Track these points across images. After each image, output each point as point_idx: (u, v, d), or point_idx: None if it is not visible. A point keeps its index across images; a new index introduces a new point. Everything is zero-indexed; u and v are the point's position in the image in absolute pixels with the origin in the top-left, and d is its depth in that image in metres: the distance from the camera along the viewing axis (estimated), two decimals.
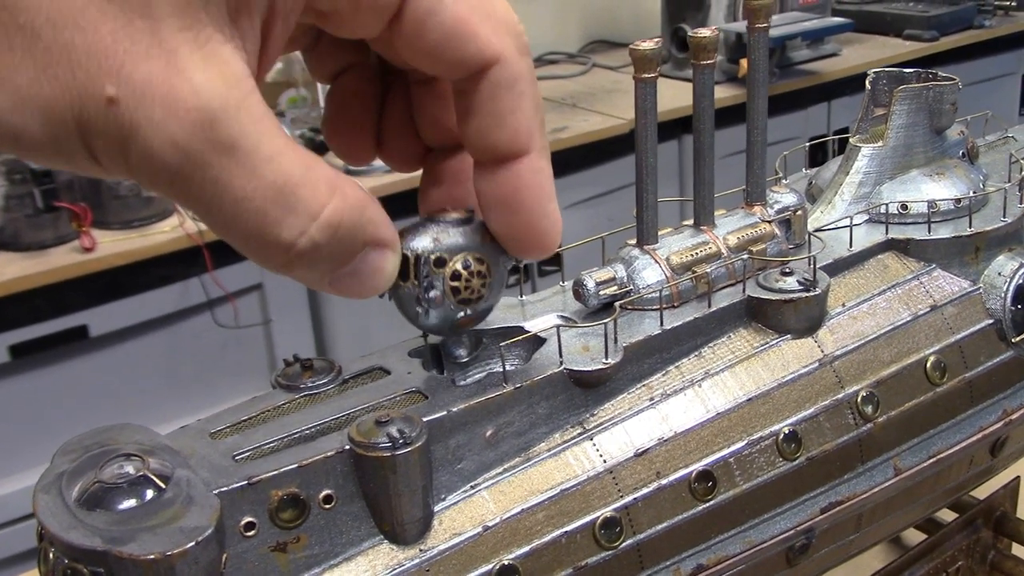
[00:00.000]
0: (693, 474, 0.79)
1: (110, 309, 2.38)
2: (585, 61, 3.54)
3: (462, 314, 0.54)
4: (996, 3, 3.91)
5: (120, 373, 2.45)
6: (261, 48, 0.42)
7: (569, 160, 2.85)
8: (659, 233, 0.86)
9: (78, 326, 2.36)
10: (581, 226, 2.71)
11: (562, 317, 0.84)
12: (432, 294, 0.53)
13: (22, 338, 2.30)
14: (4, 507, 2.31)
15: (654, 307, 0.82)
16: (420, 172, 0.57)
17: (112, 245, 2.33)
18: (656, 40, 0.80)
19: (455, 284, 0.53)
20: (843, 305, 0.90)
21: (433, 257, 0.52)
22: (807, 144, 1.29)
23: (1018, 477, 1.24)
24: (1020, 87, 4.07)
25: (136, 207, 2.43)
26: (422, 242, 0.53)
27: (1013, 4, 3.91)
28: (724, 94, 3.02)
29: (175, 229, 2.39)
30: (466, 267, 0.52)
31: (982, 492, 1.21)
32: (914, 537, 1.28)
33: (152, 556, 0.57)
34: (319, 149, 2.52)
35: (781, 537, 0.82)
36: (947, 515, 1.25)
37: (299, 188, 0.40)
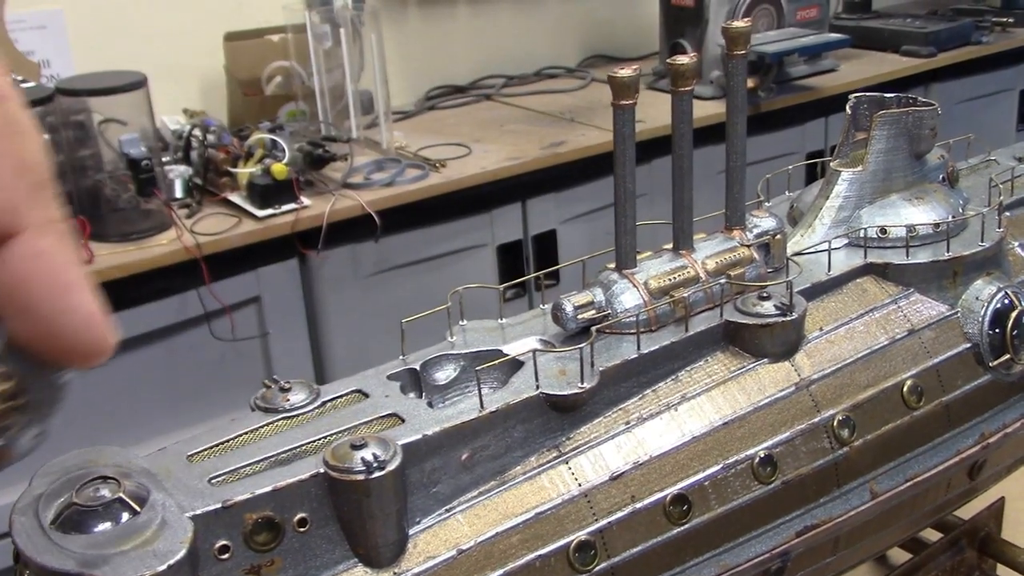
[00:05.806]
0: (668, 498, 0.79)
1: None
2: (584, 75, 3.53)
3: None
4: (994, 19, 3.91)
5: (117, 385, 2.45)
6: None
7: (567, 174, 2.85)
8: (638, 257, 0.87)
9: None
10: (580, 241, 2.72)
11: (541, 341, 0.84)
12: None
13: None
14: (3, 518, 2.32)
15: (631, 331, 0.82)
16: None
17: (109, 258, 2.33)
18: (635, 68, 0.81)
19: None
20: (820, 329, 0.90)
21: None
22: (803, 163, 1.31)
23: (1003, 498, 1.24)
24: (1018, 103, 4.07)
25: (134, 220, 2.43)
26: None
27: (1011, 20, 3.92)
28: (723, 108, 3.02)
29: (172, 242, 2.39)
30: None
31: (966, 512, 1.22)
32: (900, 557, 1.28)
33: None
34: (319, 162, 2.53)
35: (756, 560, 0.83)
36: (931, 535, 1.26)
37: None
